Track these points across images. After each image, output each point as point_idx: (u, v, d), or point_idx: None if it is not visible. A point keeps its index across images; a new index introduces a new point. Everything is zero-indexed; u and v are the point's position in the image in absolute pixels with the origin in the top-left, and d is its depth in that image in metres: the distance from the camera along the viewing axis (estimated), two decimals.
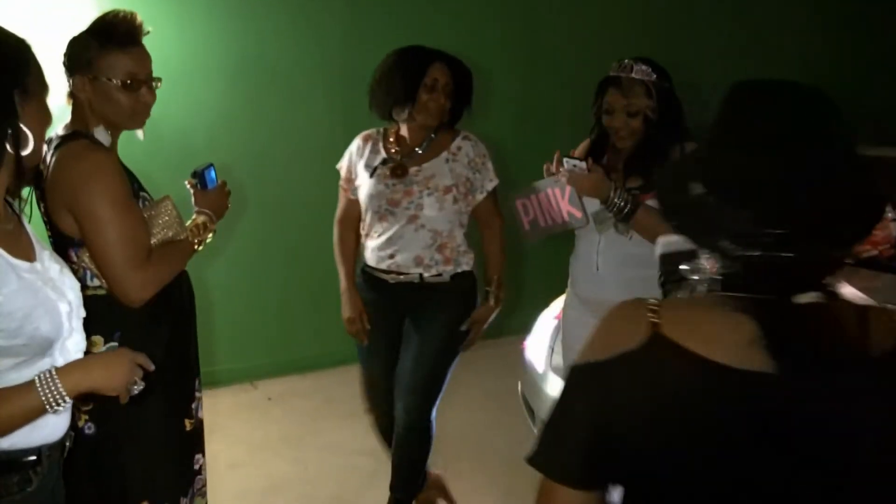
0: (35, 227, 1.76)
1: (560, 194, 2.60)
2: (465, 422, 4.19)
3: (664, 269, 1.63)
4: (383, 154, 2.96)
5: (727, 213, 1.09)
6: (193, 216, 2.35)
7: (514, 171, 4.87)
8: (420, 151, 2.94)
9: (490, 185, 2.99)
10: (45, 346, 1.60)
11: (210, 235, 2.34)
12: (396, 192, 2.90)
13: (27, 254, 1.64)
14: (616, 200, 2.52)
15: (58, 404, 1.53)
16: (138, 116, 2.19)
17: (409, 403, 3.00)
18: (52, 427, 1.64)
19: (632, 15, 5.29)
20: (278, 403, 4.47)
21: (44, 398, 1.51)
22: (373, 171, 2.93)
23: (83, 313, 1.74)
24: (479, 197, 2.98)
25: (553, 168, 2.62)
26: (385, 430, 3.20)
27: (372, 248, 2.99)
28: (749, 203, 1.08)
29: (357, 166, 3.00)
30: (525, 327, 3.88)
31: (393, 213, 2.91)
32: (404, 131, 2.98)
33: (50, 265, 1.68)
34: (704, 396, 1.09)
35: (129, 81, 2.12)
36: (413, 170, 2.91)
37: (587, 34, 5.15)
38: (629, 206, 2.52)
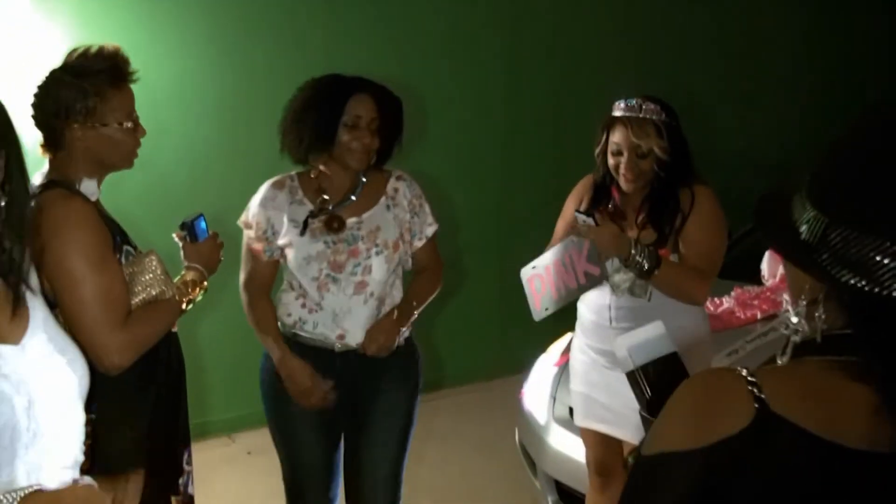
0: None
1: (577, 254, 2.41)
2: (456, 468, 4.06)
3: (649, 381, 1.39)
4: (308, 204, 2.52)
5: (866, 243, 0.95)
6: (182, 272, 2.18)
7: (500, 198, 4.81)
8: (354, 198, 2.54)
9: (430, 231, 2.63)
10: None
11: (200, 293, 2.17)
12: (339, 253, 2.47)
13: (13, 335, 1.40)
14: (637, 258, 2.41)
15: None
16: (134, 155, 2.10)
17: (379, 485, 2.70)
18: None
19: (620, 34, 5.25)
20: (262, 454, 4.29)
21: None
22: (304, 227, 2.49)
23: (81, 417, 1.46)
24: (418, 244, 2.61)
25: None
26: None
27: (313, 322, 2.52)
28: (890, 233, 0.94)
29: (275, 221, 2.52)
30: (515, 367, 3.76)
31: (336, 281, 2.47)
32: (325, 176, 2.54)
33: (34, 355, 1.42)
34: (824, 484, 0.96)
35: (130, 121, 2.03)
36: (351, 221, 2.50)
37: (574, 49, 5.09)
38: (649, 262, 2.41)
